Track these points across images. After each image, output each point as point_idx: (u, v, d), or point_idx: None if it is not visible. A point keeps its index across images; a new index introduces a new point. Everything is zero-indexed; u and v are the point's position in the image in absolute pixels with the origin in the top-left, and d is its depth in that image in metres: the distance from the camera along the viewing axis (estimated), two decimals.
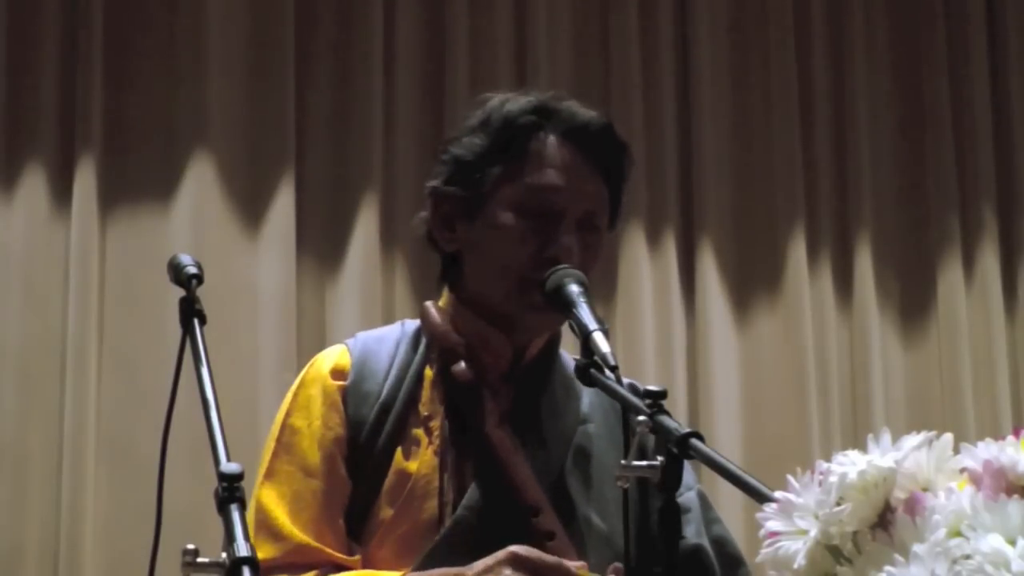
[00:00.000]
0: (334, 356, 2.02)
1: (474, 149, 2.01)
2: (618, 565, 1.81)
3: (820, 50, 4.29)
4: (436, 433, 1.95)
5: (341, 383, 1.99)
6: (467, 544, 1.87)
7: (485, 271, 2.00)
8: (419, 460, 1.94)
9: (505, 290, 1.96)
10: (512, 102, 2.03)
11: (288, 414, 2.00)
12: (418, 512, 1.92)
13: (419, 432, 1.96)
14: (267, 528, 1.91)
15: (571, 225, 1.95)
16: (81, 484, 3.55)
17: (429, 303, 2.05)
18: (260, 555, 1.69)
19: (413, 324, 2.06)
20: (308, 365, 2.04)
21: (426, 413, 1.97)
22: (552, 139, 2.00)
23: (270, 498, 1.94)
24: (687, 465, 2.02)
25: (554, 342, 2.06)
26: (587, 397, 2.05)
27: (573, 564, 1.82)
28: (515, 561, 1.79)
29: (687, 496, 2.03)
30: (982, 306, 4.27)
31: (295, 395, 2.02)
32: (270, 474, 1.97)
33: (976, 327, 4.26)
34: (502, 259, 1.96)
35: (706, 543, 2.03)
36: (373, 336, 2.06)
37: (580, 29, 4.16)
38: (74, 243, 3.66)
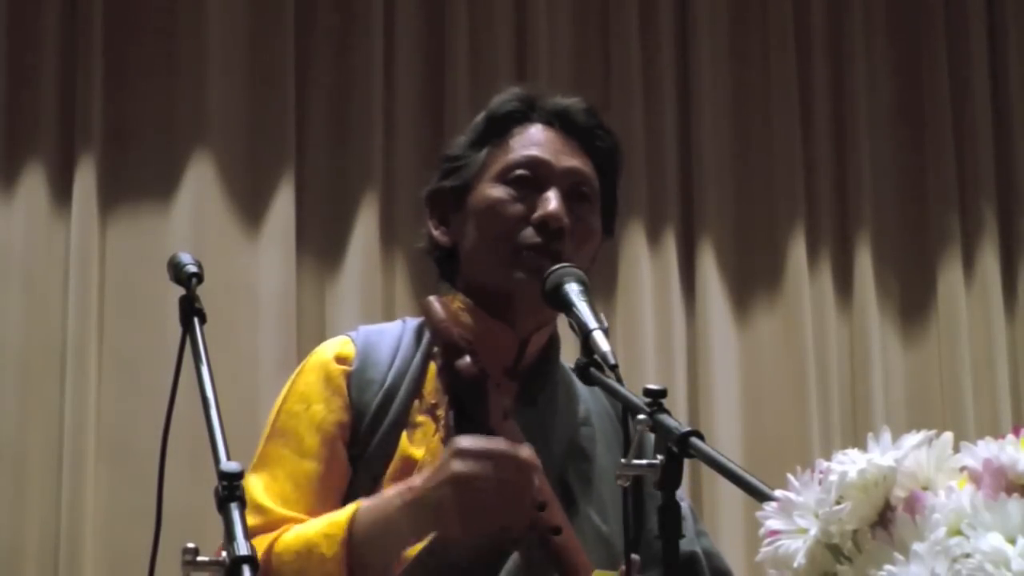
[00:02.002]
0: (337, 344, 2.02)
1: (460, 144, 2.06)
2: (635, 557, 1.80)
3: (820, 50, 4.29)
4: (442, 421, 1.95)
5: (345, 368, 1.98)
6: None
7: (477, 248, 2.00)
8: (425, 447, 1.93)
9: (496, 260, 1.97)
10: (497, 98, 2.07)
11: (284, 400, 2.00)
12: None
13: (425, 419, 1.96)
14: (252, 506, 1.89)
15: (557, 192, 1.97)
16: (81, 483, 3.55)
17: (432, 297, 2.04)
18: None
19: (414, 321, 2.07)
20: (309, 355, 2.04)
21: (432, 401, 1.96)
22: (536, 124, 2.03)
23: (257, 485, 1.92)
24: None
25: (554, 342, 2.06)
26: (585, 401, 2.06)
27: (524, 451, 1.78)
28: (461, 454, 1.76)
29: (681, 506, 2.04)
30: (982, 305, 4.27)
31: (292, 383, 2.01)
32: (262, 460, 1.96)
33: (976, 326, 4.26)
34: (490, 228, 1.97)
35: (699, 550, 2.04)
36: (375, 329, 2.07)
37: (580, 29, 4.16)
38: (74, 243, 3.66)
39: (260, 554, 1.79)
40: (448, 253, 2.05)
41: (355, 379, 1.98)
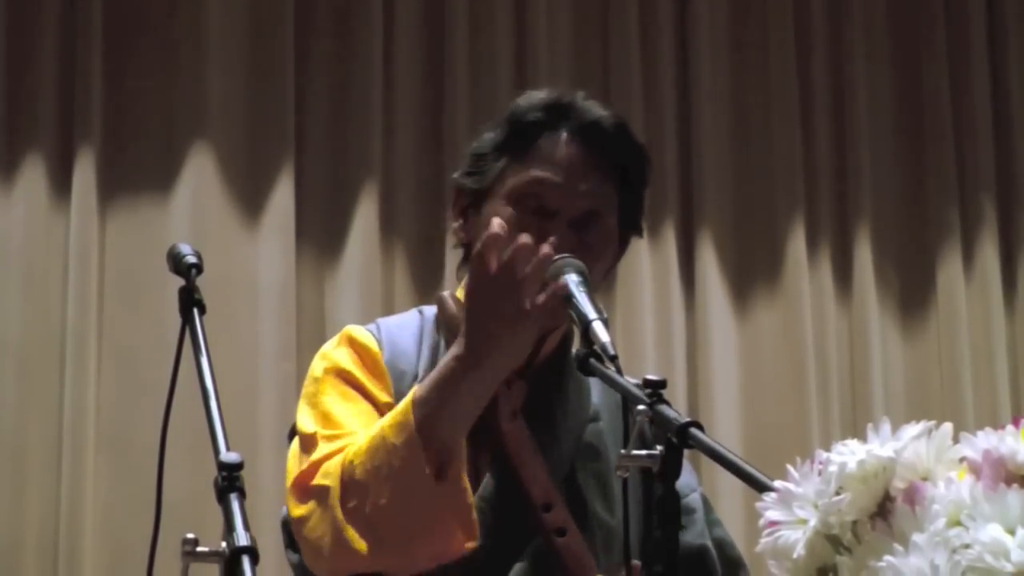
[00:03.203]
0: (361, 333, 2.01)
1: (486, 142, 2.02)
2: (636, 563, 1.81)
3: (820, 42, 4.29)
4: None
5: (380, 353, 1.98)
6: (483, 535, 1.86)
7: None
8: None
9: None
10: (527, 97, 2.03)
11: (325, 373, 1.97)
12: None
13: None
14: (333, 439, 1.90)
15: (563, 223, 1.93)
16: (81, 475, 3.55)
17: (445, 293, 2.02)
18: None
19: (432, 310, 2.04)
20: (335, 338, 2.02)
21: None
22: (562, 136, 1.98)
23: (312, 424, 1.92)
24: (689, 468, 2.03)
25: (567, 340, 2.05)
26: (596, 395, 2.05)
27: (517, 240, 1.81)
28: (471, 283, 1.82)
29: (692, 497, 2.04)
30: (981, 298, 4.27)
31: (330, 358, 1.98)
32: (327, 421, 1.92)
33: (975, 319, 4.26)
34: None
35: (710, 544, 2.03)
36: (393, 321, 2.05)
37: (580, 22, 4.15)
38: (74, 235, 3.66)
39: (337, 473, 1.83)
40: (468, 246, 2.03)
41: (390, 368, 1.97)
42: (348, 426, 1.91)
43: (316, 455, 1.87)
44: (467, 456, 1.91)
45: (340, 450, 1.86)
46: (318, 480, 1.85)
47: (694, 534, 2.01)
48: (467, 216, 2.02)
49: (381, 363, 1.97)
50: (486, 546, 1.86)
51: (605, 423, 2.04)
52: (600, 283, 1.96)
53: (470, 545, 1.83)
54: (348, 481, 1.82)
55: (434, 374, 1.84)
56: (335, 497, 1.81)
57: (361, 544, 1.80)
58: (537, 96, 2.02)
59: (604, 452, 2.02)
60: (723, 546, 2.05)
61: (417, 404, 1.82)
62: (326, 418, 1.93)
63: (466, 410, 1.83)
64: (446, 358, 1.84)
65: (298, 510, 1.86)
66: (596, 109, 2.01)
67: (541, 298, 1.78)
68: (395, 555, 1.83)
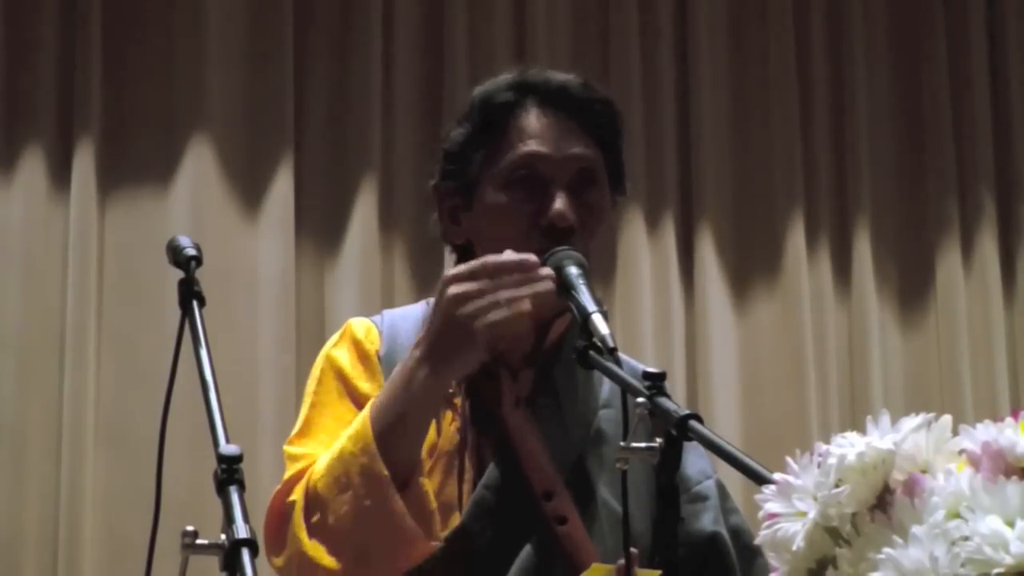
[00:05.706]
0: (363, 328, 2.02)
1: (459, 139, 2.02)
2: (634, 551, 1.81)
3: (819, 35, 4.29)
4: (459, 410, 1.95)
5: (376, 349, 1.99)
6: (488, 523, 1.87)
7: (490, 254, 1.99)
8: (443, 436, 1.93)
9: None
10: (490, 84, 2.04)
11: (323, 373, 2.00)
12: (440, 487, 1.91)
13: (443, 408, 1.95)
14: (290, 457, 1.95)
15: (561, 189, 1.94)
16: (80, 466, 3.55)
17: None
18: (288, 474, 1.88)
19: None
20: (338, 334, 2.04)
21: (451, 390, 1.95)
22: (532, 111, 1.99)
23: (305, 446, 1.95)
24: (705, 455, 2.03)
25: (575, 327, 2.05)
26: (606, 382, 2.04)
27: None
28: (453, 279, 1.82)
29: (706, 484, 2.03)
30: (980, 291, 4.28)
31: (328, 358, 2.01)
32: (305, 428, 1.97)
33: (974, 312, 4.27)
34: (500, 238, 1.95)
35: (724, 531, 2.02)
36: (398, 313, 2.06)
37: (580, 25, 4.15)
38: (73, 226, 3.66)
39: (301, 491, 1.86)
40: (466, 248, 2.04)
41: (385, 364, 1.98)
42: (324, 438, 1.94)
43: (286, 474, 1.92)
44: (472, 444, 1.92)
45: (307, 468, 1.90)
46: (288, 501, 1.88)
47: (707, 521, 2.00)
48: (458, 217, 2.02)
49: (375, 360, 1.98)
50: (490, 534, 1.86)
51: (615, 410, 2.03)
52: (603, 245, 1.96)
53: (433, 544, 1.84)
54: (311, 496, 1.85)
55: (393, 378, 1.86)
56: (299, 512, 1.85)
57: (327, 560, 1.82)
58: (498, 80, 2.04)
59: (612, 439, 2.01)
60: (739, 534, 2.03)
61: (374, 411, 1.84)
62: (308, 425, 1.97)
63: (422, 413, 1.85)
64: (405, 360, 1.85)
65: (277, 560, 1.89)
66: (559, 75, 2.04)
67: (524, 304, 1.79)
68: (359, 565, 1.83)
